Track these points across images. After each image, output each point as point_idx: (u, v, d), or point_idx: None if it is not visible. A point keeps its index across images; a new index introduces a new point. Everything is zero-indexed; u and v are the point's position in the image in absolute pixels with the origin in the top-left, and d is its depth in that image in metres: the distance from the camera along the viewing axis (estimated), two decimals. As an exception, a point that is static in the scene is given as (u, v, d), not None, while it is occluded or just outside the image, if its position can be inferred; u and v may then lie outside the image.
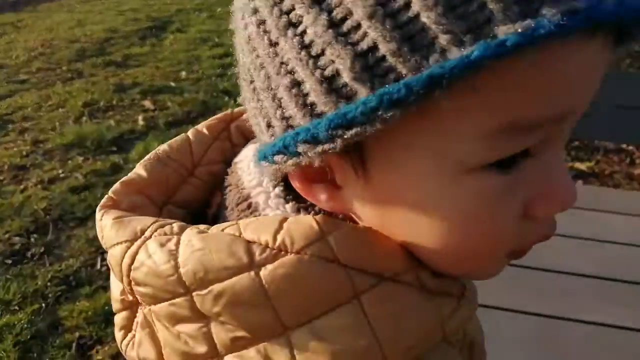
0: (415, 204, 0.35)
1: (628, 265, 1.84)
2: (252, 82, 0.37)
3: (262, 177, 0.43)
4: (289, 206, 0.41)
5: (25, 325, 2.13)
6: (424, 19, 0.28)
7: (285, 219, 0.37)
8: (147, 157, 0.47)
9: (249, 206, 0.42)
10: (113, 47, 5.62)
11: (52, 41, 5.87)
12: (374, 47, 0.29)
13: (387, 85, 0.29)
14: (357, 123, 0.30)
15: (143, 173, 0.46)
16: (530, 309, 1.66)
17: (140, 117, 3.92)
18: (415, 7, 0.28)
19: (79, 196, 2.92)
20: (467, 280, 0.43)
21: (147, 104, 4.18)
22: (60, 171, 3.26)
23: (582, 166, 3.17)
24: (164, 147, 0.48)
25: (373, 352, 0.35)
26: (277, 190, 0.42)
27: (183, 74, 4.76)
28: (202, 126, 0.50)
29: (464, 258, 0.37)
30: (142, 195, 0.45)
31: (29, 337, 2.08)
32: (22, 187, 3.12)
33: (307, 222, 0.37)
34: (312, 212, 0.40)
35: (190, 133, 0.49)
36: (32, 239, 2.64)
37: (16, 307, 2.24)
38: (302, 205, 0.40)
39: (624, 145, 3.28)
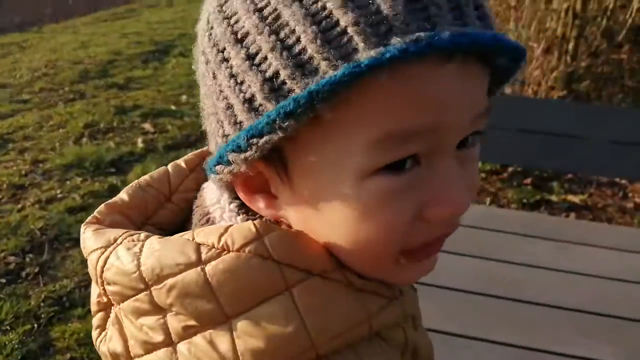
0: (326, 207, 0.41)
1: (612, 300, 1.86)
2: (205, 110, 0.45)
3: (220, 196, 0.49)
4: (239, 218, 0.47)
5: (17, 346, 2.13)
6: (310, 50, 0.36)
7: (231, 226, 0.43)
8: (130, 184, 0.54)
9: (208, 220, 0.49)
10: (116, 69, 5.70)
11: (55, 62, 5.95)
12: (277, 73, 0.37)
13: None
14: (265, 132, 0.38)
15: (125, 197, 0.52)
16: (512, 341, 1.67)
17: (139, 140, 3.96)
18: (303, 41, 0.36)
19: (75, 217, 2.94)
20: (406, 289, 0.48)
21: (147, 126, 4.22)
22: (58, 191, 3.28)
23: (575, 199, 3.20)
24: (145, 177, 0.55)
25: (301, 337, 0.40)
26: (232, 206, 0.48)
27: (184, 97, 4.82)
28: (181, 160, 0.57)
29: (367, 255, 0.42)
30: (122, 215, 0.51)
31: (19, 357, 2.08)
32: (19, 206, 3.14)
33: (247, 226, 0.42)
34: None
35: (169, 166, 0.56)
36: (27, 259, 2.65)
37: (8, 327, 2.23)
38: (251, 217, 0.46)
39: (617, 179, 3.32)
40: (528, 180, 3.35)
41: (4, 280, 2.52)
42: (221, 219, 0.48)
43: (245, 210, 0.47)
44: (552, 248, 2.11)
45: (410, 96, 0.37)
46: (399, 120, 0.37)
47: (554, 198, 3.20)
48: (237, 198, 0.47)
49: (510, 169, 3.43)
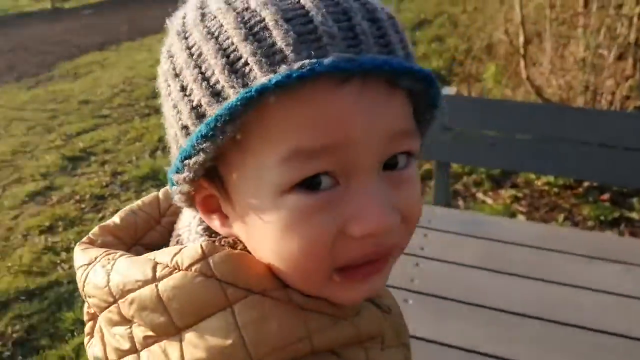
0: (254, 223, 0.45)
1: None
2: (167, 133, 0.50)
3: (192, 219, 0.54)
4: (201, 240, 0.51)
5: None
6: (221, 80, 0.41)
7: (185, 246, 0.47)
8: (124, 208, 0.60)
9: (178, 242, 0.54)
10: (187, 84, 5.95)
11: (132, 79, 6.31)
12: (200, 102, 0.42)
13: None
14: (192, 154, 0.43)
15: (117, 220, 0.58)
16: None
17: (209, 152, 4.13)
18: (216, 73, 0.41)
19: (151, 226, 3.11)
20: (367, 310, 0.50)
21: (217, 139, 4.39)
22: (134, 202, 3.48)
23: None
24: (138, 202, 0.61)
25: (239, 350, 0.43)
26: (199, 228, 0.52)
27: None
28: None
29: (297, 272, 0.45)
30: (114, 237, 0.57)
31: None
32: (100, 215, 3.37)
33: (195, 247, 0.46)
34: (218, 243, 0.49)
35: (160, 191, 0.62)
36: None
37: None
38: (212, 239, 0.50)
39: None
40: (605, 196, 3.15)
41: (87, 285, 2.71)
42: (188, 240, 0.52)
43: (209, 233, 0.51)
44: (619, 271, 2.00)
45: (307, 117, 0.40)
46: (300, 139, 0.40)
47: (634, 216, 3.00)
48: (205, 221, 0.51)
49: (585, 184, 3.27)
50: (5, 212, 3.52)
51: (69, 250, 3.03)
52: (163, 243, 0.57)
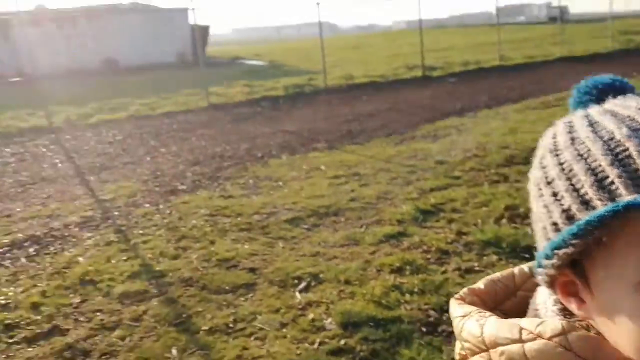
0: (614, 317, 0.51)
1: None
2: (533, 227, 0.60)
3: (547, 298, 0.63)
4: (557, 318, 0.59)
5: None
6: (590, 193, 0.50)
7: (546, 320, 0.57)
8: (485, 277, 0.71)
9: (535, 315, 0.63)
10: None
11: (485, 145, 6.62)
12: (570, 207, 0.52)
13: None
14: (562, 246, 0.52)
15: (481, 286, 0.70)
16: None
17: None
18: (586, 186, 0.51)
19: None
20: None
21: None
22: (476, 264, 3.65)
23: None
24: (496, 274, 0.72)
25: None
26: (554, 307, 0.61)
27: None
28: (525, 265, 0.72)
29: None
30: (478, 298, 0.69)
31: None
32: (443, 269, 3.65)
33: (556, 323, 0.55)
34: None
35: (516, 268, 0.73)
36: (444, 317, 3.04)
37: (423, 371, 2.61)
38: (566, 319, 0.58)
39: None
40: None
41: (424, 329, 2.97)
42: (544, 316, 0.61)
43: (563, 313, 0.59)
44: None
45: None
46: None
47: None
48: (559, 302, 0.59)
49: None
50: (365, 246, 4.15)
51: (412, 293, 3.38)
52: (517, 311, 0.69)
